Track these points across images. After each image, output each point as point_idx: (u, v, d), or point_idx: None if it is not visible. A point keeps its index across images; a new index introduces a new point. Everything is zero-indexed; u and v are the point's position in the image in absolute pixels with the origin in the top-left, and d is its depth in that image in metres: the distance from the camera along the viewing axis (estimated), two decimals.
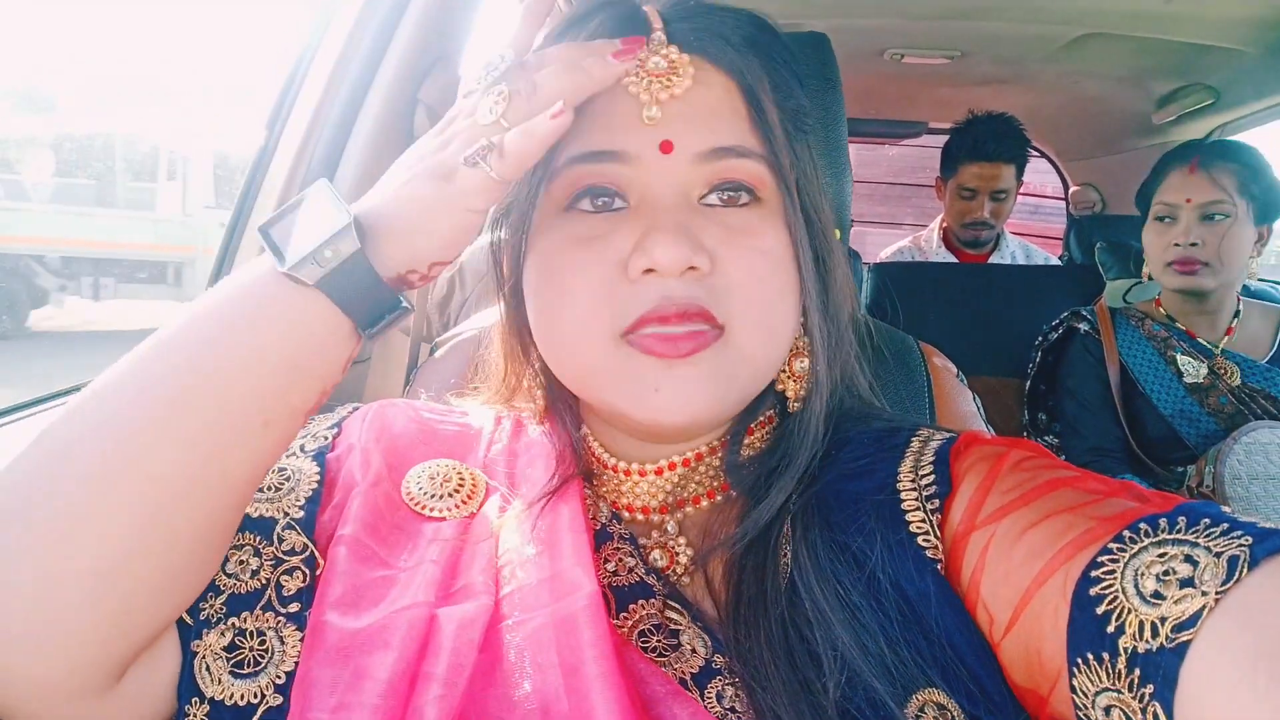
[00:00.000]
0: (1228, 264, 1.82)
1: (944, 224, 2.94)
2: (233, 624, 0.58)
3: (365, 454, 0.68)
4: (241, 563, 0.60)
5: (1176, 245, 1.84)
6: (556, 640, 0.56)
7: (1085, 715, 0.46)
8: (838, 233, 1.08)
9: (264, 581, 0.60)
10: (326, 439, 0.70)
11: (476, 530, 0.65)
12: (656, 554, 0.65)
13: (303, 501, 0.64)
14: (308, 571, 0.61)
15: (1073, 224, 3.23)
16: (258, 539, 0.61)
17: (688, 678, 0.57)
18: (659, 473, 0.68)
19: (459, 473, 0.69)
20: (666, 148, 0.60)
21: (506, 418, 0.75)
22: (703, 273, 0.59)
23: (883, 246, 3.28)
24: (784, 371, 0.68)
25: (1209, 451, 1.79)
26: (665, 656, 0.58)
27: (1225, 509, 0.47)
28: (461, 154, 0.57)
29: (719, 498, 0.68)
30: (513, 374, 0.73)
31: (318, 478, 0.66)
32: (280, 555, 0.61)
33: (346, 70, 1.13)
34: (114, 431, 0.52)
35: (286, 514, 0.63)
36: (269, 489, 0.64)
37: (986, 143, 2.66)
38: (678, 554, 0.65)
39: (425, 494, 0.67)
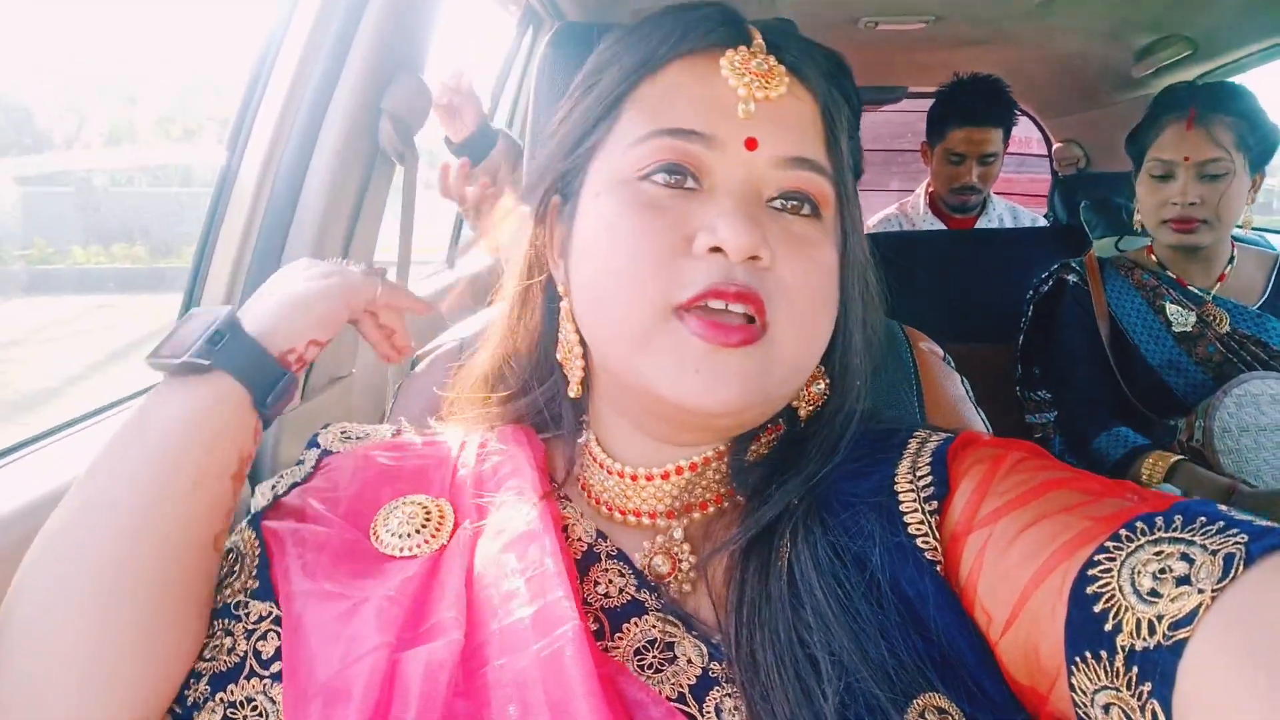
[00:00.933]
0: (1225, 219, 1.79)
1: (930, 189, 2.92)
2: (220, 699, 0.59)
3: (321, 502, 0.69)
4: (216, 646, 0.62)
5: (1174, 204, 1.80)
6: (543, 679, 0.55)
7: (1085, 713, 0.46)
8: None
9: (241, 654, 0.61)
10: (268, 498, 0.71)
11: (447, 564, 0.63)
12: (660, 559, 0.65)
13: (255, 571, 0.65)
14: (279, 630, 0.61)
15: (1057, 183, 3.20)
16: (226, 622, 0.63)
17: (685, 691, 0.57)
18: (665, 477, 0.68)
19: (425, 507, 0.68)
20: (752, 144, 0.63)
21: (470, 441, 0.74)
22: (763, 265, 0.61)
23: (869, 213, 3.26)
24: (801, 393, 0.69)
25: (1199, 405, 1.78)
26: (662, 671, 0.58)
27: (1222, 508, 0.47)
28: (358, 270, 0.77)
29: (726, 504, 0.68)
30: (532, 361, 0.75)
31: (258, 543, 0.67)
32: (250, 626, 0.62)
33: (307, 82, 1.11)
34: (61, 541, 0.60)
35: (245, 589, 0.64)
36: (224, 577, 0.66)
37: (974, 107, 2.64)
38: (681, 560, 0.65)
39: (393, 534, 0.66)
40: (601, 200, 0.64)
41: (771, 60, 0.64)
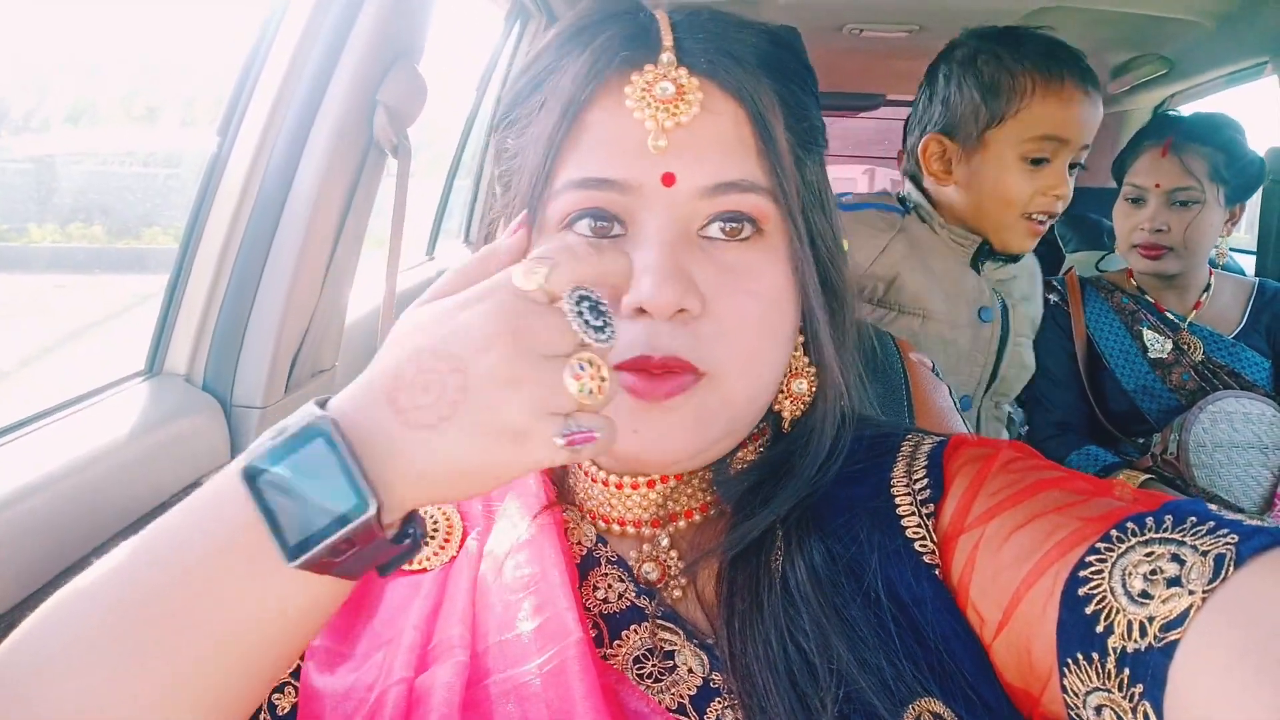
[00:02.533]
0: (1193, 249, 1.82)
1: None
2: None
3: None
4: None
5: (1142, 229, 1.83)
6: (545, 693, 0.54)
7: (1077, 715, 0.47)
8: None
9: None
10: None
11: (455, 578, 0.62)
12: (649, 567, 0.64)
13: None
14: (297, 684, 0.59)
15: None
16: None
17: (686, 702, 0.56)
18: (650, 485, 0.66)
19: (431, 516, 0.66)
20: (668, 180, 0.58)
21: None
22: (692, 315, 0.57)
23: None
24: (781, 392, 0.67)
25: (1174, 420, 1.81)
26: (661, 681, 0.57)
27: (1212, 507, 0.48)
28: (556, 435, 0.45)
29: (712, 511, 0.66)
30: None
31: None
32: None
33: (302, 71, 1.08)
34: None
35: None
36: None
37: None
38: (669, 567, 0.64)
39: None
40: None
41: (682, 76, 0.58)
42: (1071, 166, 1.47)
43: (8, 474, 0.77)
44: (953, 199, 1.54)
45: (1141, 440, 1.91)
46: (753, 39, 0.63)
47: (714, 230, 0.60)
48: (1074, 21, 2.31)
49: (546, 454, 0.45)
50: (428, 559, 0.63)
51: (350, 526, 0.43)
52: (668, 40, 0.60)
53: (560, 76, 0.61)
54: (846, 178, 4.81)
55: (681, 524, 0.66)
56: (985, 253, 1.54)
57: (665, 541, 0.65)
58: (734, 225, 0.60)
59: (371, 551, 0.45)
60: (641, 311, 0.57)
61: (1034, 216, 1.46)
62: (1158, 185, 1.82)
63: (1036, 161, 1.43)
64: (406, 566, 0.62)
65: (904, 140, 2.78)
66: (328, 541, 0.43)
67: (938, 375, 1.18)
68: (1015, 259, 1.58)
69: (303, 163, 1.09)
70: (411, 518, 0.48)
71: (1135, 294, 1.95)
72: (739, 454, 0.67)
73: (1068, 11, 2.22)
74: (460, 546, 0.64)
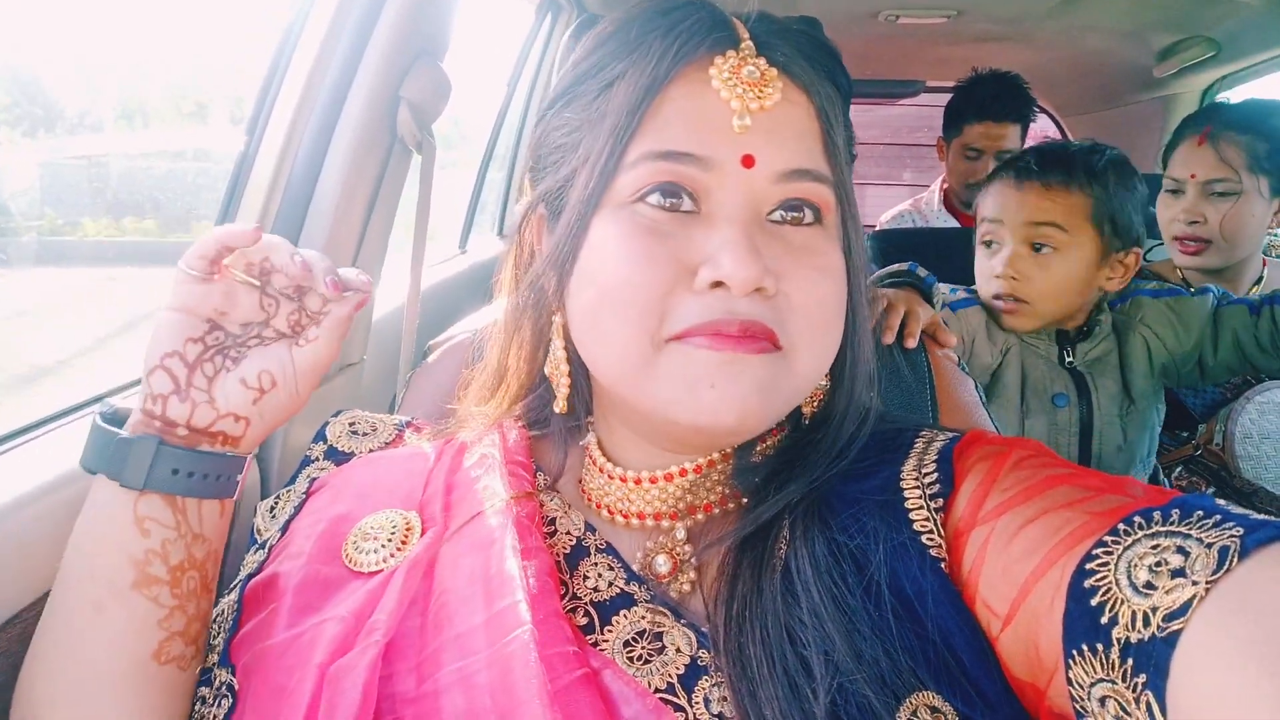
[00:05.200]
0: (1233, 242, 1.75)
1: (945, 185, 2.89)
2: None
3: (300, 543, 0.68)
4: (195, 715, 0.65)
5: (1179, 221, 1.78)
6: (490, 683, 0.55)
7: (1082, 707, 0.46)
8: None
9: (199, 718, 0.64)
10: (255, 566, 0.70)
11: (406, 575, 0.62)
12: (661, 559, 0.65)
13: (226, 636, 0.66)
14: (231, 697, 0.62)
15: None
16: (203, 690, 0.65)
17: (675, 681, 0.57)
18: (669, 479, 0.67)
19: (391, 520, 0.67)
20: (749, 162, 0.59)
21: (448, 451, 0.74)
22: (768, 294, 0.59)
23: (884, 207, 3.23)
24: None
25: (1220, 411, 1.77)
26: (650, 662, 0.58)
27: (1220, 501, 0.48)
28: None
29: (730, 505, 0.67)
30: (519, 374, 0.73)
31: (236, 606, 0.67)
32: (215, 692, 0.63)
33: (326, 70, 1.10)
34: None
35: (216, 655, 0.66)
36: (211, 639, 0.67)
37: (992, 102, 2.59)
38: (682, 559, 0.65)
39: (360, 550, 0.65)
40: (600, 226, 0.62)
41: (763, 64, 0.61)
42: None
43: (41, 468, 0.80)
44: None
45: (1185, 434, 1.86)
46: (811, 43, 0.65)
47: (778, 215, 0.62)
48: (1117, 5, 2.26)
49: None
50: (383, 560, 0.64)
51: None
52: (744, 32, 0.62)
53: (643, 53, 0.62)
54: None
55: (700, 517, 0.67)
56: (1066, 338, 1.57)
57: (682, 534, 0.66)
58: (798, 213, 0.62)
59: (93, 435, 0.62)
60: (717, 285, 0.58)
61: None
62: (1193, 176, 1.76)
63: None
64: (364, 570, 0.64)
65: (943, 130, 2.77)
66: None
67: (963, 369, 1.16)
68: (1088, 333, 1.58)
69: (328, 160, 1.10)
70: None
71: (1179, 285, 1.90)
72: (759, 446, 0.68)
73: None
74: (417, 546, 0.65)
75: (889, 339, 1.10)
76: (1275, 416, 1.72)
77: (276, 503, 0.76)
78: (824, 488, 0.63)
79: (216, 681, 0.64)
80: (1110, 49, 2.69)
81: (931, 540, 0.58)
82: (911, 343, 1.12)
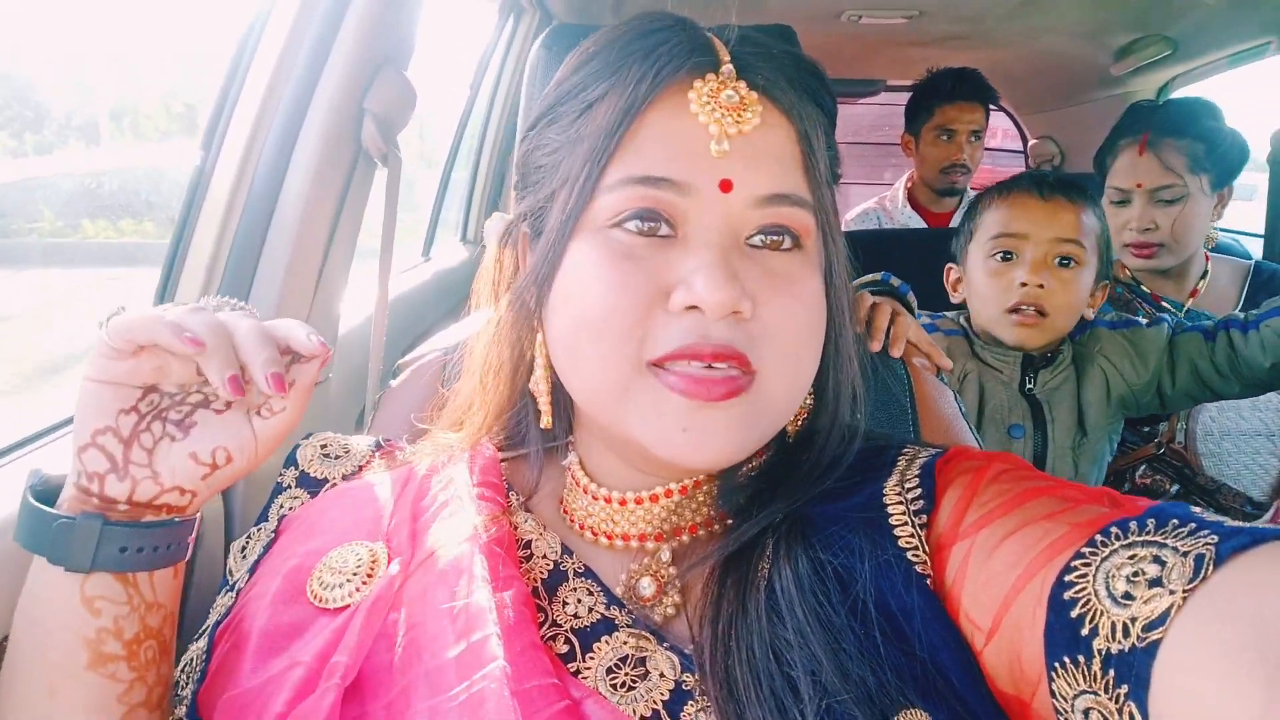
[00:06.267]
0: (1184, 242, 1.79)
1: (910, 183, 2.91)
2: None
3: (265, 583, 0.65)
4: None
5: (1131, 229, 1.80)
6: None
7: (1066, 719, 0.47)
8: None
9: None
10: (224, 611, 0.67)
11: (370, 610, 0.60)
12: (645, 581, 0.64)
13: (190, 690, 0.64)
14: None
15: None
16: None
17: (660, 708, 0.56)
18: (654, 500, 0.66)
19: (357, 553, 0.64)
20: (726, 186, 0.59)
21: (414, 476, 0.71)
22: (743, 317, 0.58)
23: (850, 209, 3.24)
24: None
25: (1181, 410, 1.79)
26: (635, 689, 0.57)
27: (1196, 510, 0.48)
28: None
29: (716, 526, 0.66)
30: (499, 393, 0.71)
31: (205, 653, 0.65)
32: None
33: (286, 81, 1.06)
34: None
35: (181, 700, 0.64)
36: (180, 689, 0.65)
37: (960, 85, 2.66)
38: (666, 583, 0.64)
39: (325, 586, 0.63)
40: (578, 250, 0.61)
41: (743, 88, 0.60)
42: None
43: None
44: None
45: (1147, 429, 1.88)
46: (794, 63, 0.65)
47: (758, 240, 0.61)
48: (1074, 4, 2.28)
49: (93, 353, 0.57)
50: (348, 595, 0.61)
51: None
52: (725, 54, 0.62)
53: (621, 75, 0.61)
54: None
55: (685, 538, 0.66)
56: (1029, 363, 1.58)
57: (666, 556, 0.65)
58: (777, 237, 0.61)
59: (24, 510, 0.58)
60: (691, 309, 0.57)
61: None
62: (1139, 185, 1.78)
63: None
64: (329, 605, 0.61)
65: (906, 126, 2.79)
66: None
67: (943, 380, 1.16)
68: (1052, 360, 1.58)
69: (290, 174, 1.07)
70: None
71: (1130, 283, 1.92)
72: (744, 468, 0.67)
73: None
74: (383, 580, 0.62)
75: (876, 345, 1.09)
76: (1234, 414, 1.75)
77: (248, 543, 0.73)
78: (808, 506, 0.63)
79: None
80: (1069, 48, 2.72)
81: (917, 556, 0.58)
82: (896, 351, 1.11)
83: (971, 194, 2.91)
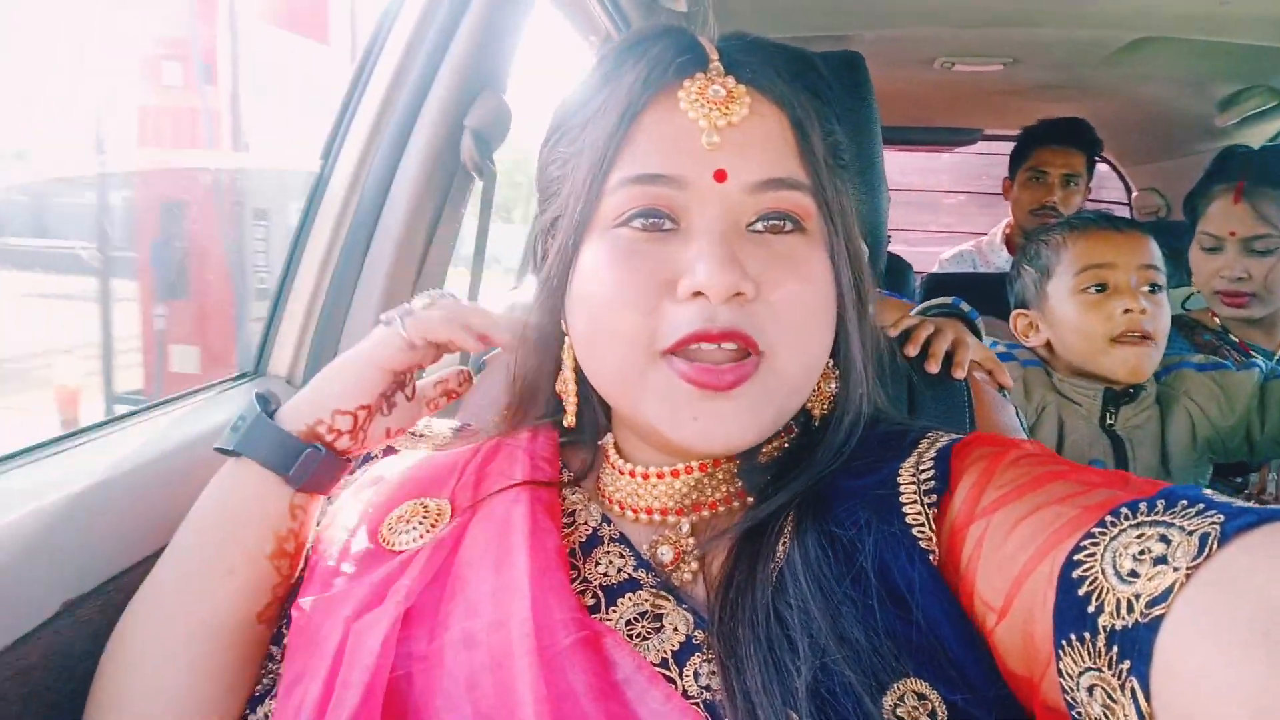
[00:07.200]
0: (1277, 292, 1.75)
1: (1008, 228, 2.91)
2: (254, 717, 0.71)
3: (345, 518, 0.76)
4: (266, 670, 0.74)
5: (1222, 277, 1.77)
6: (490, 644, 0.60)
7: (1072, 698, 0.47)
8: (867, 248, 1.10)
9: (273, 678, 0.72)
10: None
11: (432, 552, 0.68)
12: (665, 549, 0.68)
13: (289, 599, 0.74)
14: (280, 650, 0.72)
15: None
16: (274, 649, 0.74)
17: (669, 656, 0.60)
18: (675, 475, 0.70)
19: (424, 506, 0.73)
20: (720, 176, 0.62)
21: (484, 448, 0.79)
22: (747, 298, 0.61)
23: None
24: (813, 392, 0.70)
25: (1273, 460, 1.73)
26: (649, 640, 0.62)
27: (1207, 491, 0.48)
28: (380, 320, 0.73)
29: (735, 504, 0.70)
30: (534, 383, 0.77)
31: (301, 570, 0.76)
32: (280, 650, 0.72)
33: (397, 99, 1.18)
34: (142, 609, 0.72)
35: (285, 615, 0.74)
36: (287, 599, 0.75)
37: (1059, 130, 2.66)
38: (684, 551, 0.68)
39: (395, 532, 0.71)
40: (588, 250, 0.66)
41: (730, 82, 0.64)
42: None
43: (132, 451, 0.87)
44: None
45: (1239, 479, 1.83)
46: (786, 57, 0.68)
47: (760, 226, 0.64)
48: (1173, 53, 2.27)
49: (374, 337, 0.75)
50: (413, 540, 0.70)
51: (244, 408, 0.73)
52: (713, 53, 0.66)
53: (616, 85, 0.65)
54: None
55: (705, 513, 0.70)
56: (1110, 398, 1.56)
57: (686, 528, 0.69)
58: (778, 221, 0.65)
59: (257, 429, 0.71)
60: (697, 295, 0.61)
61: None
62: (1233, 234, 1.75)
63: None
64: (396, 549, 0.70)
65: (1008, 171, 2.79)
66: (234, 421, 0.73)
67: (1004, 395, 1.18)
68: (1134, 397, 1.56)
69: (396, 183, 1.18)
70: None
71: (1218, 330, 1.87)
72: (766, 448, 0.70)
73: (1165, 43, 2.19)
74: (446, 529, 0.70)
75: (934, 367, 1.12)
76: None
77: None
78: (825, 484, 0.66)
79: (283, 638, 0.72)
80: (1170, 98, 2.70)
81: (922, 533, 0.60)
82: (960, 373, 1.13)
83: None
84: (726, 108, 0.63)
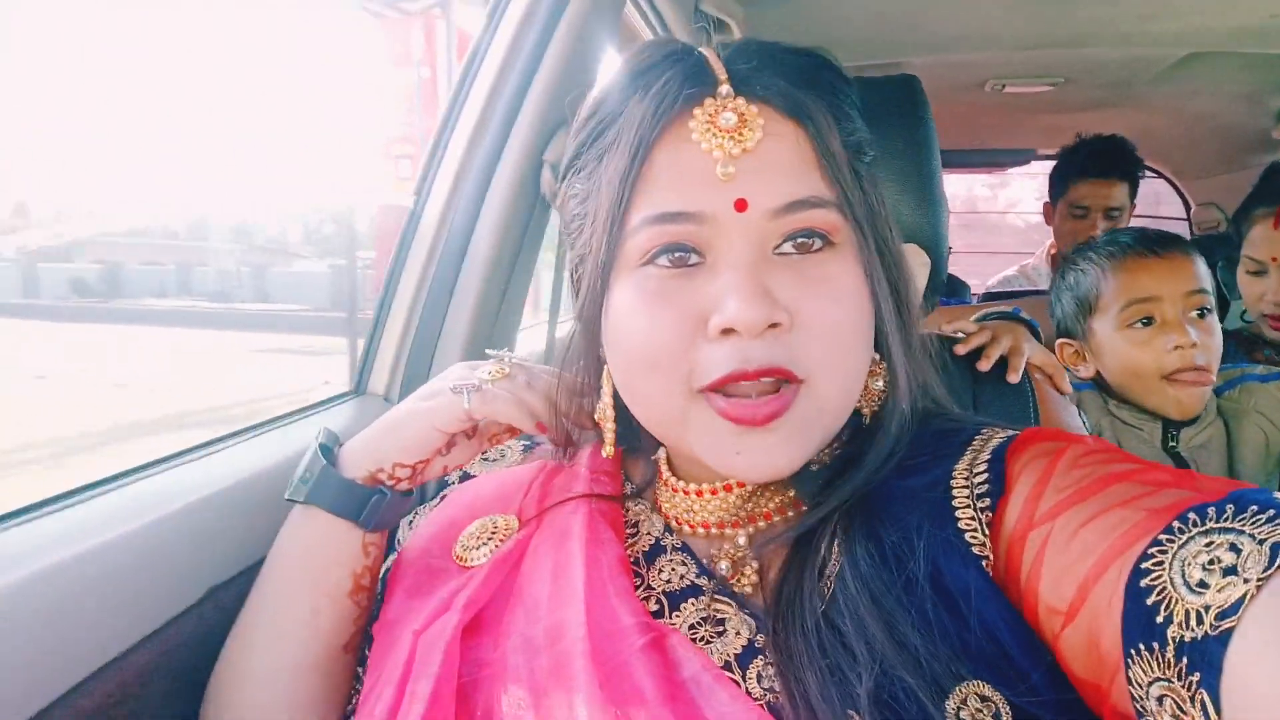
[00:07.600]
0: None
1: (1052, 250, 2.91)
2: None
3: (421, 539, 0.81)
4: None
5: (1267, 299, 1.76)
6: (549, 649, 0.62)
7: (1142, 707, 0.47)
8: (929, 260, 1.16)
9: (358, 693, 0.75)
10: (389, 565, 0.82)
11: (496, 566, 0.71)
12: (724, 564, 0.68)
13: (372, 615, 0.79)
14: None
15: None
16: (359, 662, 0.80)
17: (731, 659, 0.61)
18: (728, 489, 0.70)
19: (494, 522, 0.76)
20: (741, 206, 0.61)
21: (550, 465, 0.81)
22: (783, 329, 0.60)
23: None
24: (861, 392, 0.69)
25: None
26: (710, 643, 0.62)
27: (1277, 495, 0.48)
28: (449, 386, 0.76)
29: (790, 513, 0.69)
30: (575, 409, 0.77)
31: (380, 588, 0.81)
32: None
33: (483, 137, 1.27)
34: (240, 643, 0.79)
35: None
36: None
37: (1097, 159, 2.57)
38: (743, 565, 0.68)
39: (467, 549, 0.75)
40: (617, 291, 0.65)
41: (741, 104, 0.61)
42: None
43: (262, 455, 0.97)
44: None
45: None
46: (794, 59, 0.66)
47: (788, 248, 0.63)
48: (1224, 67, 2.29)
49: (438, 401, 0.77)
50: (483, 556, 0.73)
51: (309, 459, 0.78)
52: (722, 74, 0.63)
53: (625, 120, 0.64)
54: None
55: (761, 524, 0.69)
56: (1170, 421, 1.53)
57: (743, 540, 0.69)
58: (806, 240, 0.63)
59: (323, 479, 0.76)
60: (729, 332, 0.60)
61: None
62: (1275, 259, 1.73)
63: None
64: (468, 564, 0.74)
65: (1049, 193, 2.79)
66: (300, 474, 0.78)
67: (1069, 397, 1.21)
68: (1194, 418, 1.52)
69: (482, 215, 1.27)
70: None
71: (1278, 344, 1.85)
72: (817, 456, 0.69)
73: (1216, 57, 2.21)
74: (513, 544, 0.73)
75: (984, 366, 1.16)
76: None
77: (414, 517, 0.88)
78: (877, 486, 0.65)
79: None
80: (1225, 112, 2.70)
81: (975, 539, 0.59)
82: (1014, 377, 1.16)
83: None
84: (740, 134, 0.61)
